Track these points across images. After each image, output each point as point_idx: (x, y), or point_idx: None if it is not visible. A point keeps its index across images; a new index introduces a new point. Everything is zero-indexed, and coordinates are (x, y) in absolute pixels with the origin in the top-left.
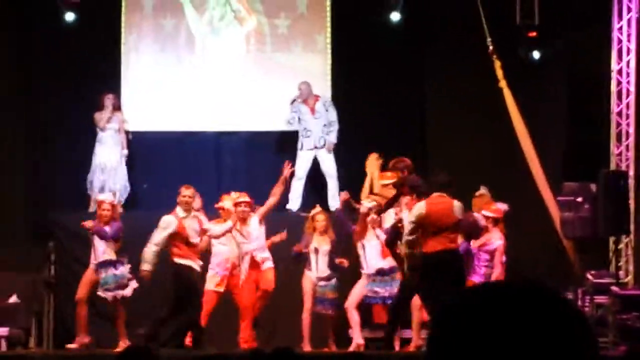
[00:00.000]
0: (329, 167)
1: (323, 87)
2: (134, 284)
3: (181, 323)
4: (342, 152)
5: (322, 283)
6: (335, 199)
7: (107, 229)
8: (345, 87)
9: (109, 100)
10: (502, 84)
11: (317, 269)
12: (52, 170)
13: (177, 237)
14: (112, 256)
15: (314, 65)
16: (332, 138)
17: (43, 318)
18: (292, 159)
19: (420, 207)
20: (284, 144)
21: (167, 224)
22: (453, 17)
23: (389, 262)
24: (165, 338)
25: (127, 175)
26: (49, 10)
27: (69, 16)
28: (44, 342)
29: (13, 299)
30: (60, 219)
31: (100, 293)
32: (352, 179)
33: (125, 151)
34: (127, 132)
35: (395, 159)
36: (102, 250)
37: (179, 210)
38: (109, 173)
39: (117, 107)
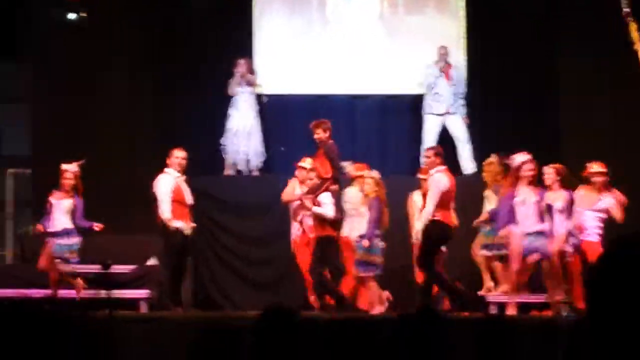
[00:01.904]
0: (461, 132)
1: (457, 50)
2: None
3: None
4: (475, 118)
5: None
6: (470, 161)
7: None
8: (479, 51)
9: (239, 65)
10: (638, 46)
11: None
12: (189, 134)
13: (173, 197)
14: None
15: (448, 28)
16: (463, 110)
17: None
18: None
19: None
20: (417, 107)
21: (166, 182)
22: None
23: None
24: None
25: (262, 139)
26: None
27: None
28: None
29: (152, 261)
30: (197, 183)
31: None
32: (484, 144)
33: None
34: (260, 96)
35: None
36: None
37: (170, 172)
38: (242, 137)
39: (250, 71)
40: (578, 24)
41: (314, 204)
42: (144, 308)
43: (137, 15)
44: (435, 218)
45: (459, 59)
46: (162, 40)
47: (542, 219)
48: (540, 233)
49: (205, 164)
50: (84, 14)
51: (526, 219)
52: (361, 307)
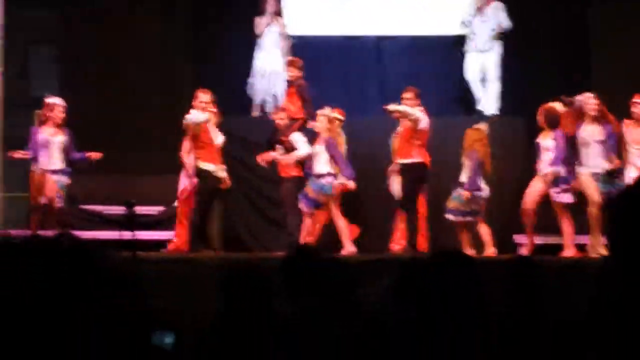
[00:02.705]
0: (490, 70)
1: None
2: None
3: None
4: (505, 60)
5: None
6: (494, 101)
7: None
8: None
9: (269, 5)
10: None
11: None
12: (215, 75)
13: (202, 139)
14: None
15: None
16: (506, 25)
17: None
18: (454, 64)
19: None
20: (446, 48)
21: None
22: None
23: None
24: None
25: None
26: None
27: None
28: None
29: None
30: (224, 124)
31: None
32: (513, 85)
33: (287, 57)
34: (287, 37)
35: None
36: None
37: (196, 113)
38: (269, 77)
39: (277, 12)
40: None
41: (287, 146)
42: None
43: None
44: (415, 160)
45: None
46: None
47: (610, 157)
48: (610, 173)
49: (232, 104)
50: None
51: (592, 158)
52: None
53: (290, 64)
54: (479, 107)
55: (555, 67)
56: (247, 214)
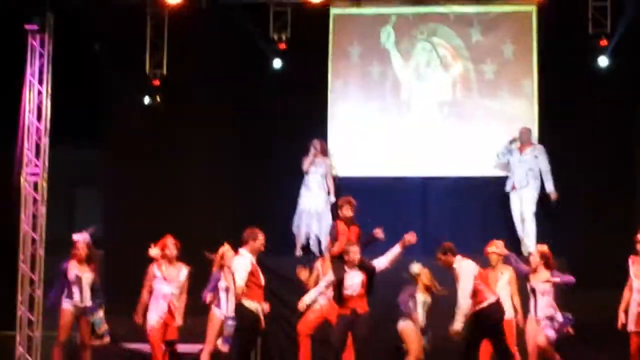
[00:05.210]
0: (525, 209)
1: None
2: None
3: None
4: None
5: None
6: (530, 240)
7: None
8: (552, 133)
9: (313, 145)
10: None
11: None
12: (260, 214)
13: (250, 278)
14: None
15: (521, 111)
16: (551, 187)
17: None
18: (498, 205)
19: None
20: (491, 189)
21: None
22: None
23: None
24: None
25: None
26: (257, 57)
27: (277, 63)
28: None
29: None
30: (267, 262)
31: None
32: (554, 222)
33: (332, 198)
34: (334, 178)
35: None
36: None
37: (245, 253)
38: (313, 217)
39: (324, 152)
40: None
41: None
42: None
43: (215, 96)
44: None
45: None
46: (237, 118)
47: None
48: None
49: (276, 243)
50: (158, 98)
51: None
52: None
53: (347, 202)
54: (522, 246)
55: (599, 204)
56: (288, 353)
